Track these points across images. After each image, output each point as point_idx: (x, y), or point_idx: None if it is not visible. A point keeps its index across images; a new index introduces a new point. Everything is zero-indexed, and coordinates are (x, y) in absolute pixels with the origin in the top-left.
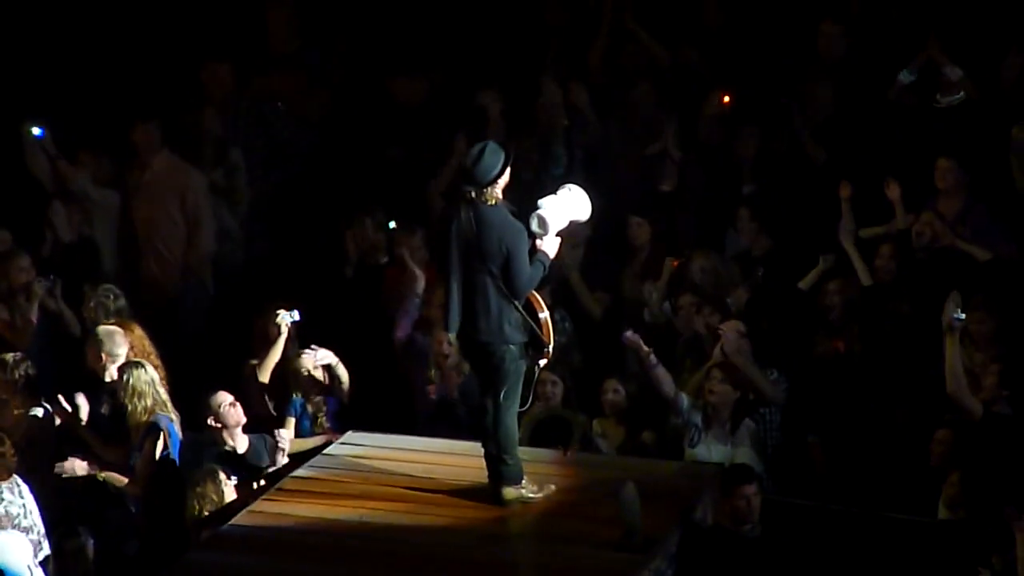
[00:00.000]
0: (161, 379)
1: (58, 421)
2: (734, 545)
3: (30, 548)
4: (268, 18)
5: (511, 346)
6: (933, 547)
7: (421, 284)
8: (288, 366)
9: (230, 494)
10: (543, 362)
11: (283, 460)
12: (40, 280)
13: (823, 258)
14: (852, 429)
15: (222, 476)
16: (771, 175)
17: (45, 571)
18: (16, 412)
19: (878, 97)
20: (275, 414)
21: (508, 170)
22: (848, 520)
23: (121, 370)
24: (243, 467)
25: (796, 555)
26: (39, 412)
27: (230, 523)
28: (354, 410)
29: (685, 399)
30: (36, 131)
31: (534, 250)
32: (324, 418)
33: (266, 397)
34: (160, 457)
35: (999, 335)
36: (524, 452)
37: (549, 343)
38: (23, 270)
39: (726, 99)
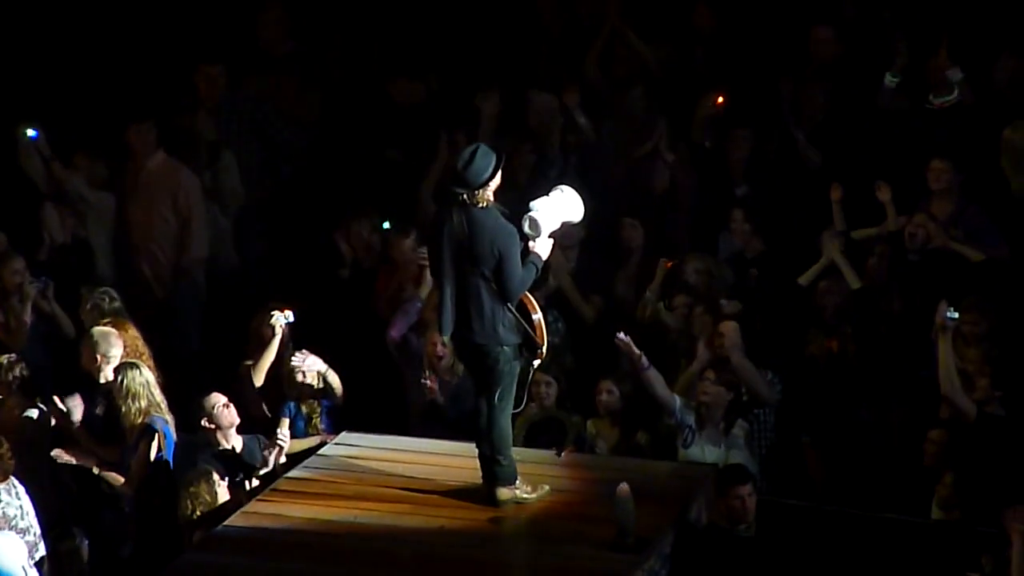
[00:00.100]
0: (156, 380)
1: (53, 422)
2: (729, 545)
3: (25, 549)
4: (259, 20)
5: (505, 348)
6: (927, 547)
7: (426, 288)
8: (282, 368)
9: (223, 495)
10: (537, 363)
11: (282, 460)
12: (32, 281)
13: (827, 257)
14: (846, 429)
15: (215, 477)
16: (765, 177)
17: (40, 572)
18: (12, 414)
19: (871, 100)
20: (269, 415)
21: (500, 173)
22: (842, 520)
23: (116, 371)
24: (237, 468)
25: (790, 555)
26: (34, 414)
27: (224, 524)
28: (348, 411)
29: (678, 400)
30: (31, 132)
31: (527, 252)
32: (318, 419)
33: (261, 398)
34: (155, 459)
35: (992, 336)
36: (518, 453)
37: (543, 344)
38: (17, 272)
39: (720, 100)
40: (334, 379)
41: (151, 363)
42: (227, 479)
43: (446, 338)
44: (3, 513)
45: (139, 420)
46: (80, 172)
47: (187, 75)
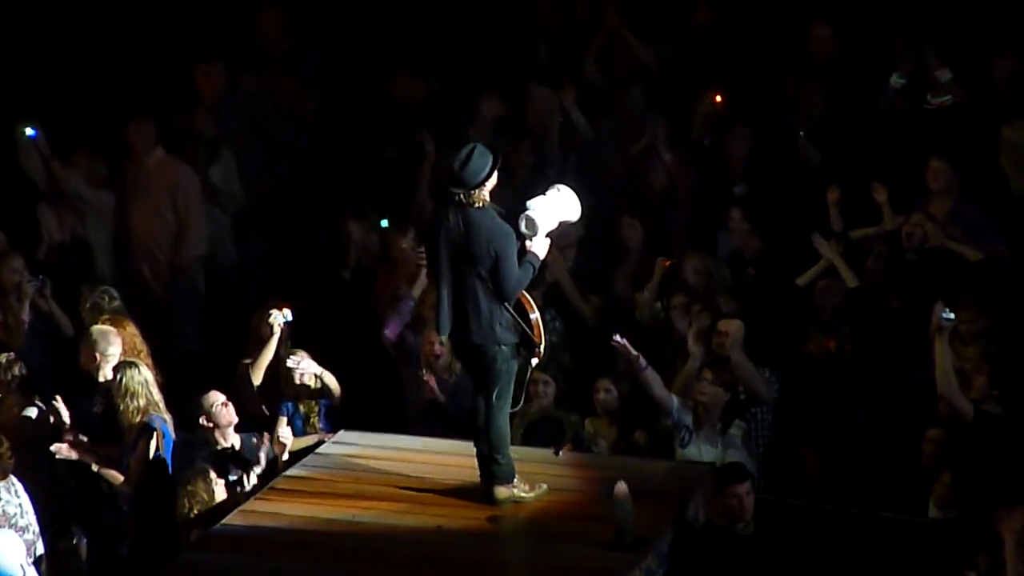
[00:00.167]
0: (154, 378)
1: (52, 420)
2: (727, 543)
3: (23, 547)
4: (256, 19)
5: (503, 347)
6: (924, 546)
7: (419, 288)
8: (280, 367)
9: (220, 493)
10: (535, 362)
11: (284, 458)
12: (30, 280)
13: (825, 258)
14: (843, 428)
15: (212, 475)
16: (763, 176)
17: (38, 570)
18: (10, 412)
19: (869, 99)
20: (268, 414)
21: (496, 173)
22: (840, 519)
23: (115, 370)
24: (235, 466)
25: (788, 554)
26: (33, 412)
27: (222, 522)
28: (347, 410)
29: (675, 400)
30: (30, 131)
31: (523, 251)
32: (316, 418)
33: (259, 397)
34: (153, 457)
35: (990, 335)
36: (516, 451)
37: (541, 343)
38: (15, 271)
39: (718, 98)
40: (330, 380)
41: (149, 361)
42: (225, 478)
43: (444, 337)
44: (3, 511)
45: (137, 419)
46: (79, 171)
47: (186, 73)
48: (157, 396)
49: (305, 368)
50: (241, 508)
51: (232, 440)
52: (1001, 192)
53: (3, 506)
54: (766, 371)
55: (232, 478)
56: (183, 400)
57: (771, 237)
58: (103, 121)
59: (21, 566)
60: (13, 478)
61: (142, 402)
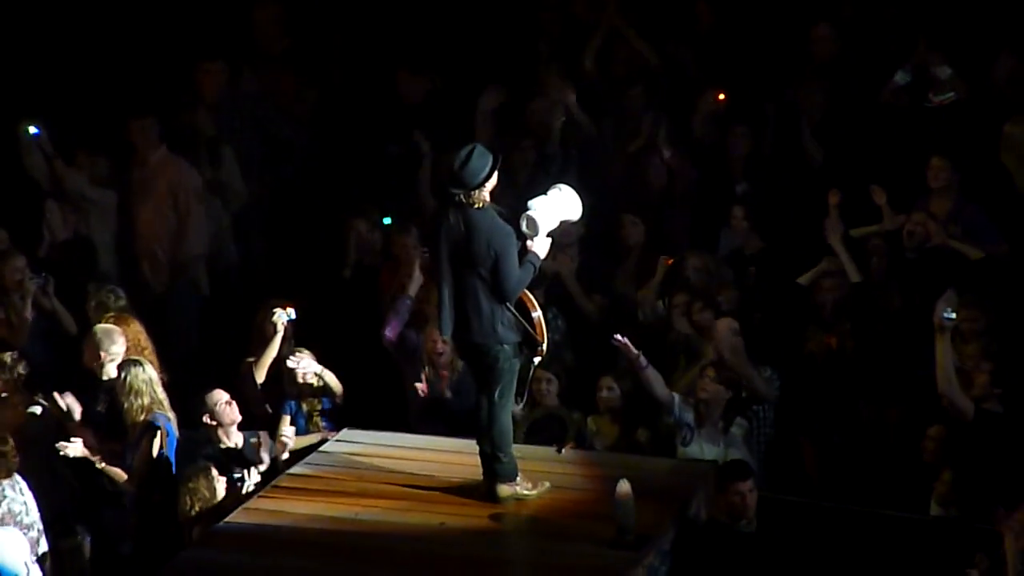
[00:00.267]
0: (159, 375)
1: (58, 416)
2: (729, 540)
3: (27, 545)
4: (256, 17)
5: (505, 346)
6: (925, 544)
7: (415, 286)
8: (283, 365)
9: (222, 491)
10: (538, 360)
11: (285, 456)
12: (32, 278)
13: (827, 259)
14: (844, 426)
15: (214, 473)
16: (764, 174)
17: (42, 569)
18: (14, 411)
19: (871, 98)
20: (271, 412)
21: (496, 173)
22: (841, 517)
23: (119, 368)
24: (238, 465)
25: (790, 551)
26: (37, 410)
27: (225, 520)
28: (350, 408)
29: (676, 398)
30: (33, 130)
31: (524, 251)
32: (319, 417)
33: (262, 395)
34: (156, 455)
35: (991, 333)
36: (519, 449)
37: (543, 341)
38: (18, 269)
39: (721, 97)
40: (332, 379)
41: (154, 358)
42: (227, 476)
43: (446, 337)
44: (7, 509)
45: (141, 417)
46: (82, 169)
47: (187, 72)
48: (161, 394)
49: (306, 367)
50: (244, 506)
51: (235, 439)
52: (1002, 190)
53: (8, 504)
54: (767, 369)
55: (234, 476)
56: (186, 398)
57: (772, 235)
58: (106, 120)
59: (25, 564)
60: (17, 476)
61: (146, 400)
